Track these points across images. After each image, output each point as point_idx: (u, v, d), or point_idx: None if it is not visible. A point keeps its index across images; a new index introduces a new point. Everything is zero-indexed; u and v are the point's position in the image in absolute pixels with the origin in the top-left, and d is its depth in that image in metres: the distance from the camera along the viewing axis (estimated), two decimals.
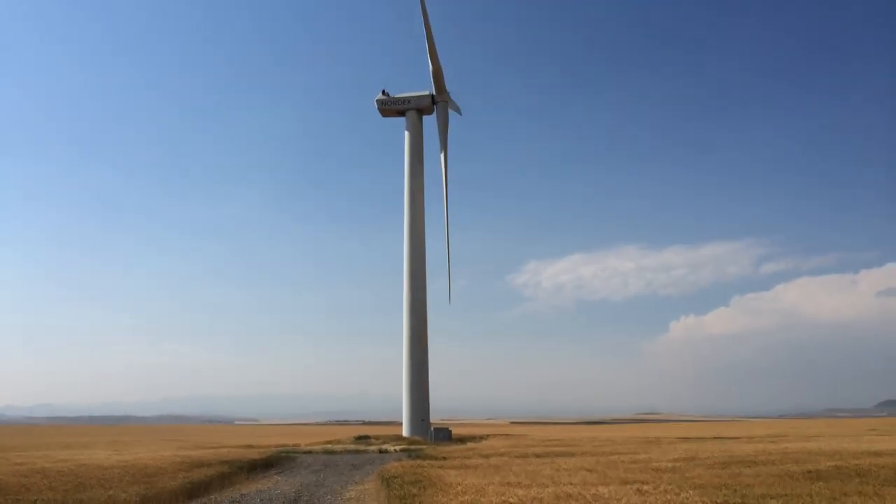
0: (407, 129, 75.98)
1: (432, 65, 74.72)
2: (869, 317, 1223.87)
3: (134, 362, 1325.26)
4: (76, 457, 41.13)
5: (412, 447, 53.09)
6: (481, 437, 72.42)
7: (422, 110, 76.63)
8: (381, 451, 50.40)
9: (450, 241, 73.55)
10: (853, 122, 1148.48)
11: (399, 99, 76.70)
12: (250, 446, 54.76)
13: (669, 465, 27.87)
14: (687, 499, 17.61)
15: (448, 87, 76.27)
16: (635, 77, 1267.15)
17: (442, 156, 75.45)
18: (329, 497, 24.73)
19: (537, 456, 37.05)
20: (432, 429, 66.49)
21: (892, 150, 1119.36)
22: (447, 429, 68.35)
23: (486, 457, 36.68)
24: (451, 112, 76.36)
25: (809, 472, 23.08)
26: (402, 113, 76.86)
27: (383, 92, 76.96)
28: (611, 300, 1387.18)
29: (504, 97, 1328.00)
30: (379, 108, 77.01)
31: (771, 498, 17.81)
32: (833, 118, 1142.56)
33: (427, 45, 73.46)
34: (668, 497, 17.86)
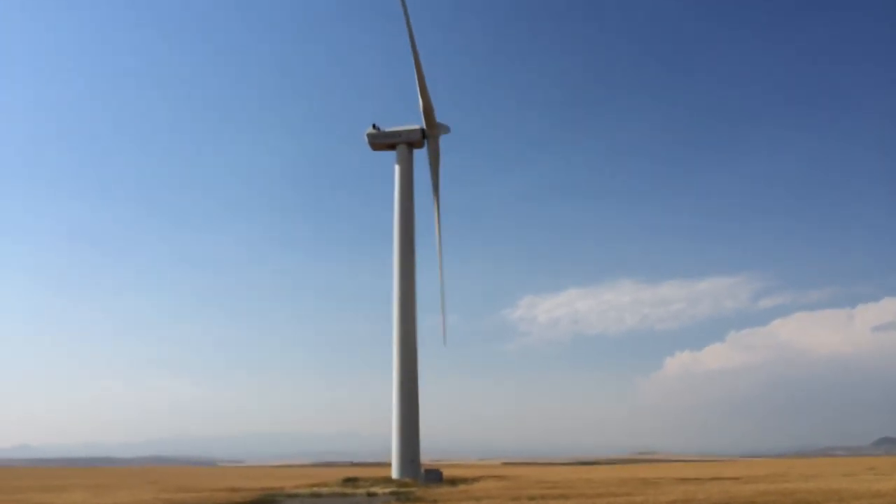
0: (397, 163, 75.62)
1: (422, 100, 74.64)
2: (865, 352, 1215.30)
3: (116, 401, 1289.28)
4: (54, 500, 39.53)
5: (402, 490, 51.30)
6: (473, 479, 70.50)
7: (412, 144, 76.38)
8: (369, 495, 48.63)
9: (444, 280, 72.65)
10: (850, 157, 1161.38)
11: (389, 133, 76.46)
12: (234, 489, 52.92)
13: None
14: None
15: (440, 114, 75.96)
16: (633, 107, 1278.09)
17: (434, 193, 74.96)
18: None
19: (531, 499, 35.61)
20: (423, 470, 64.66)
21: (889, 185, 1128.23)
22: (438, 470, 66.48)
23: (478, 500, 35.22)
24: (440, 139, 76.14)
25: None
26: (392, 147, 76.55)
27: (374, 126, 76.76)
28: (606, 335, 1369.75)
29: (498, 127, 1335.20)
30: (369, 142, 76.68)
31: None
32: (829, 153, 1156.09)
33: (417, 79, 73.52)
34: None
